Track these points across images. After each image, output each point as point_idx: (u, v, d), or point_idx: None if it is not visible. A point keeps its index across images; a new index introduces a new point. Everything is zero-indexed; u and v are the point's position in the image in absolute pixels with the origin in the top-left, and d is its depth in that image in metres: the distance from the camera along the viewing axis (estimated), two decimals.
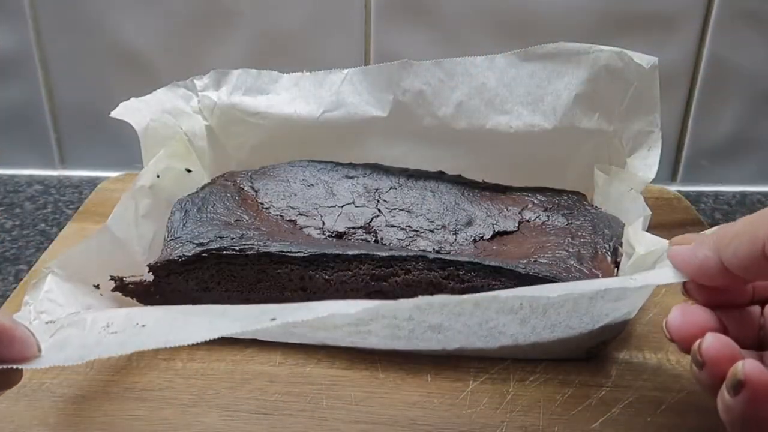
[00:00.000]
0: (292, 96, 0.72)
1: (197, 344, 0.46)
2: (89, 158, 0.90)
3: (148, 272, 0.56)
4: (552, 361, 0.55)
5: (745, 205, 0.87)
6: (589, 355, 0.55)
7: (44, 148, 0.89)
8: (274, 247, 0.54)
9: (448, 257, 0.53)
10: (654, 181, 0.82)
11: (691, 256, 0.42)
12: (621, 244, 0.58)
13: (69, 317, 0.46)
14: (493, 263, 0.52)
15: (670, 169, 0.90)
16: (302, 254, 0.53)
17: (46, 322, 0.46)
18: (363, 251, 0.53)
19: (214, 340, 0.40)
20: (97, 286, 0.55)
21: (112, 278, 0.55)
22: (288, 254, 0.53)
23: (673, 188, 0.87)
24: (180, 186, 0.66)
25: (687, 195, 0.85)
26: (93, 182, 0.86)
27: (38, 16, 0.83)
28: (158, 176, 0.64)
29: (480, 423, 0.51)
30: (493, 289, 0.51)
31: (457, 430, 0.50)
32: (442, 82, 0.69)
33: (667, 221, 0.74)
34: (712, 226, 0.78)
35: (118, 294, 0.56)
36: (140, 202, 0.61)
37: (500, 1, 0.81)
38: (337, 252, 0.53)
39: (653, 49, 0.82)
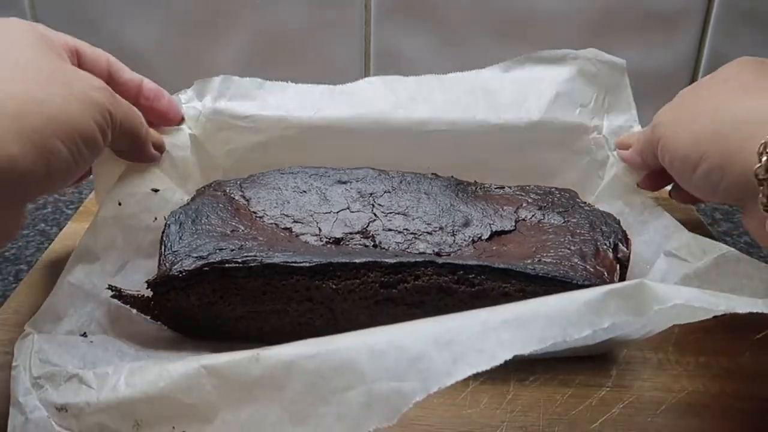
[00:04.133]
0: (280, 99, 0.72)
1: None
2: None
3: (147, 288, 0.54)
4: (552, 361, 0.55)
5: None
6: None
7: None
8: (278, 258, 0.53)
9: (457, 261, 0.53)
10: None
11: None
12: (620, 241, 0.58)
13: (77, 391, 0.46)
14: (502, 266, 0.52)
15: None
16: (308, 264, 0.52)
17: (58, 408, 0.45)
18: (370, 259, 0.53)
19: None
20: (84, 335, 0.53)
21: (110, 287, 0.54)
22: (293, 265, 0.52)
23: None
24: (147, 208, 0.63)
25: None
26: (93, 182, 0.86)
27: (38, 16, 0.82)
28: (120, 204, 0.61)
29: (480, 423, 0.51)
30: (504, 291, 0.52)
31: (457, 430, 0.50)
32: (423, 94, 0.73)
33: None
34: (711, 226, 0.79)
35: (107, 337, 0.54)
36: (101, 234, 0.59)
37: (500, 1, 0.81)
38: (343, 260, 0.53)
39: (653, 49, 0.83)
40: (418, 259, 0.53)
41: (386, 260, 0.52)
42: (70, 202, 0.83)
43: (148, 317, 0.56)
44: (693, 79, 0.85)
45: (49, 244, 0.70)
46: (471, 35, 0.83)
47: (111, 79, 0.60)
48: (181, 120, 0.69)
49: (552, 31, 0.83)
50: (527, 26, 0.82)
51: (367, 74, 0.85)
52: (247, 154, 0.72)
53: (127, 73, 0.63)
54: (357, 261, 0.52)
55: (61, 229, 0.73)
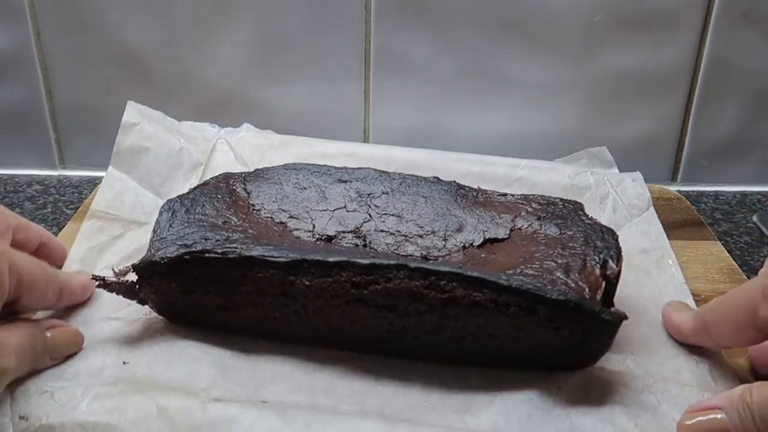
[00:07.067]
0: None
1: None
2: (89, 158, 0.90)
3: (132, 272, 0.55)
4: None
5: (746, 205, 0.87)
6: None
7: (44, 148, 0.90)
8: (256, 251, 0.53)
9: (429, 266, 0.52)
10: (654, 181, 0.83)
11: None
12: (612, 257, 0.56)
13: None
14: (475, 274, 0.51)
15: (670, 169, 0.90)
16: (283, 259, 0.53)
17: (20, 417, 0.48)
18: (344, 258, 0.52)
19: None
20: None
21: (94, 277, 0.55)
22: (269, 259, 0.53)
23: (673, 188, 0.87)
24: None
25: (687, 195, 0.85)
26: (93, 182, 0.86)
27: (38, 16, 0.83)
28: None
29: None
30: (474, 300, 0.51)
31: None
32: None
33: (667, 221, 0.74)
34: (712, 226, 0.79)
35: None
36: None
37: (500, 1, 0.81)
38: (317, 258, 0.53)
39: (653, 49, 0.83)
40: (390, 261, 0.52)
41: (359, 261, 0.52)
42: (69, 202, 0.84)
43: (134, 301, 0.57)
44: (693, 79, 0.84)
45: None
46: (471, 35, 0.83)
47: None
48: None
49: (552, 31, 0.82)
50: (527, 26, 0.82)
51: (367, 74, 0.85)
52: None
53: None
54: (330, 260, 0.52)
55: (61, 229, 0.73)
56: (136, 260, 0.56)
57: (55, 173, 0.91)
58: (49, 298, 0.55)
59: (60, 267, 0.64)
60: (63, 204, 0.84)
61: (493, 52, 0.84)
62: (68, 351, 0.53)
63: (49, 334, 0.52)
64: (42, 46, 0.84)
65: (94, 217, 0.70)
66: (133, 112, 0.77)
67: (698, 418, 0.47)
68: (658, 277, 0.66)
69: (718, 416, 0.46)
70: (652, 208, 0.75)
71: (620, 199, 0.75)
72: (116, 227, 0.69)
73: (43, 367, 0.52)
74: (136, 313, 0.58)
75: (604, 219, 0.71)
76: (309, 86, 0.87)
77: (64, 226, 0.73)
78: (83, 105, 0.87)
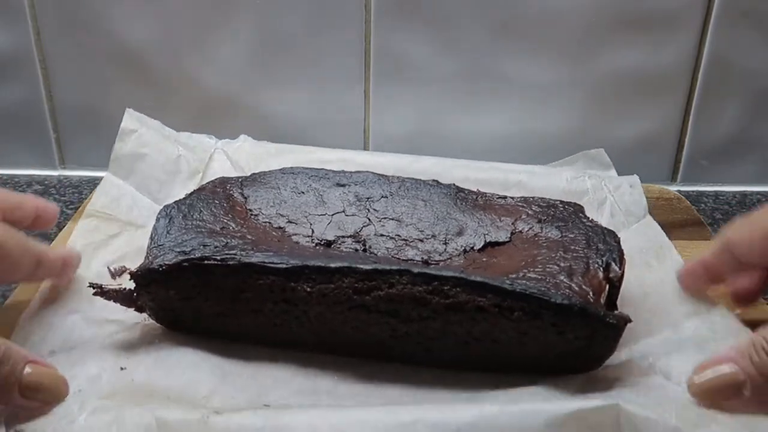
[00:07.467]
0: None
1: None
2: (89, 158, 0.90)
3: (129, 279, 0.55)
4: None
5: (745, 205, 0.87)
6: None
7: (44, 148, 0.90)
8: (256, 258, 0.53)
9: (432, 272, 0.51)
10: (654, 181, 0.84)
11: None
12: (614, 260, 0.56)
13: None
14: (479, 279, 0.51)
15: (670, 169, 0.90)
16: (284, 266, 0.52)
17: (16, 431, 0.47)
18: (346, 264, 0.52)
19: None
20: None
21: (91, 285, 0.55)
22: (269, 265, 0.52)
23: (673, 188, 0.87)
24: None
25: (687, 195, 0.85)
26: (93, 182, 0.86)
27: (38, 16, 0.83)
28: None
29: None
30: (478, 306, 0.51)
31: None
32: None
33: (667, 221, 0.74)
34: (711, 226, 0.79)
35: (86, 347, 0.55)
36: None
37: (500, 1, 0.81)
38: (319, 264, 0.52)
39: (653, 49, 0.83)
40: (393, 267, 0.51)
41: (361, 266, 0.52)
42: (70, 202, 0.84)
43: (131, 309, 0.57)
44: (693, 79, 0.85)
45: (49, 244, 0.70)
46: (471, 35, 0.83)
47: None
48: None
49: (552, 31, 0.82)
50: (527, 26, 0.82)
51: (367, 74, 0.85)
52: None
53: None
54: (332, 266, 0.52)
55: (61, 229, 0.73)
56: (132, 262, 0.56)
57: (55, 173, 0.91)
58: (24, 268, 0.52)
59: (51, 225, 0.63)
60: (63, 204, 0.84)
61: (493, 52, 0.84)
62: (46, 396, 0.47)
63: (28, 369, 0.46)
64: (42, 46, 0.84)
65: (91, 216, 0.69)
66: (131, 119, 0.76)
67: (708, 374, 0.45)
68: (659, 268, 0.65)
69: (728, 368, 0.45)
70: (648, 216, 0.74)
71: (618, 205, 0.75)
72: (113, 227, 0.68)
73: (6, 403, 0.46)
74: (135, 317, 0.58)
75: (602, 224, 0.71)
76: (309, 86, 0.87)
77: (64, 226, 0.73)
78: (83, 105, 0.87)
